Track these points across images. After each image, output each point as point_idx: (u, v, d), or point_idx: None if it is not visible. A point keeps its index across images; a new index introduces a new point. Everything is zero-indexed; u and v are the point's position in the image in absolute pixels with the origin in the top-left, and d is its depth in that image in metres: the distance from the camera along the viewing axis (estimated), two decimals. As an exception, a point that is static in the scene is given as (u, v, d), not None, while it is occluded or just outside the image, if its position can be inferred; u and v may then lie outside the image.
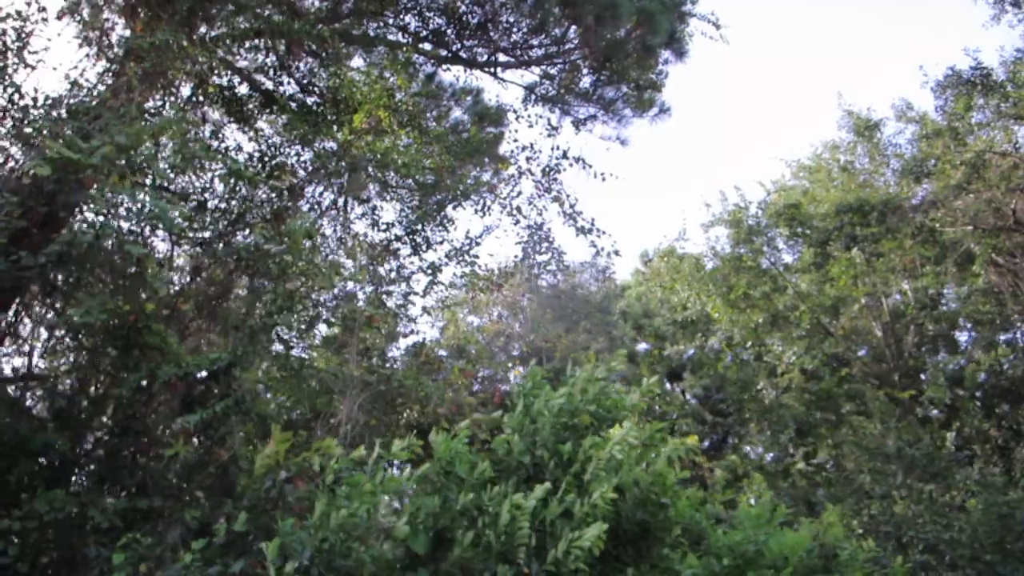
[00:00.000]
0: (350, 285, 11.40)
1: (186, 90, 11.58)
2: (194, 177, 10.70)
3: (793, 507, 10.67)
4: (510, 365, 15.14)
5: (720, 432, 19.25)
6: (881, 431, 10.75)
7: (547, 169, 13.41)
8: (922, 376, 17.46)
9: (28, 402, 8.66)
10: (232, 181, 10.76)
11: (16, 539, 6.35)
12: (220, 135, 11.13)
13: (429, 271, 12.19)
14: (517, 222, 13.20)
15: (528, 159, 13.44)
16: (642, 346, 26.43)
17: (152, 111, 9.53)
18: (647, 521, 4.95)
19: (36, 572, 6.68)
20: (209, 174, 10.77)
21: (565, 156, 13.62)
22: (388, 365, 11.50)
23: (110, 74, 9.63)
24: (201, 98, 11.70)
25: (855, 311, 17.81)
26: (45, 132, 7.29)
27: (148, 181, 8.24)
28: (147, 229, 8.73)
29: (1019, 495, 9.69)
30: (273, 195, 11.54)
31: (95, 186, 7.01)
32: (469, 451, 4.90)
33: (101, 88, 9.24)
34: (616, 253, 12.49)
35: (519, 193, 13.47)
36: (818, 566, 5.65)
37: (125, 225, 7.44)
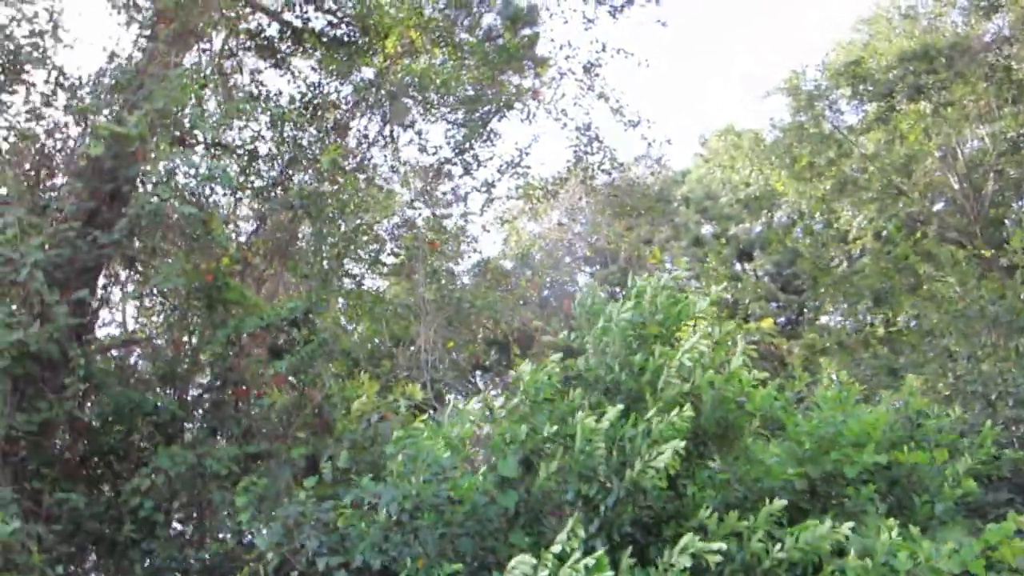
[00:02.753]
0: (408, 213, 11.56)
1: (218, 42, 11.57)
2: (240, 128, 10.86)
3: (875, 377, 10.67)
4: (575, 269, 15.22)
5: (795, 309, 19.03)
6: (962, 291, 10.41)
7: (588, 66, 12.97)
8: (1006, 222, 16.66)
9: (131, 367, 9.28)
10: (279, 126, 10.89)
11: (149, 493, 6.98)
12: (259, 82, 11.13)
13: (484, 189, 12.20)
14: (564, 126, 12.96)
15: (567, 58, 13.00)
16: (707, 229, 26.02)
17: (189, 68, 9.59)
18: (725, 417, 5.05)
19: (170, 520, 7.38)
20: (255, 123, 10.90)
21: (604, 49, 13.14)
22: (455, 286, 11.74)
23: (143, 39, 9.68)
24: (234, 46, 11.69)
25: (928, 166, 16.96)
26: (94, 111, 7.46)
27: (198, 141, 8.42)
28: (206, 188, 9.01)
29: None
30: (320, 135, 11.63)
31: (151, 155, 7.22)
32: (555, 380, 4.99)
33: (137, 55, 9.34)
34: (668, 142, 12.26)
35: (563, 95, 13.14)
36: (902, 437, 5.67)
37: (185, 189, 7.63)
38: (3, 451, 6.35)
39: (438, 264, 11.60)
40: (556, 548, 4.23)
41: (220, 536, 6.83)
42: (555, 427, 4.73)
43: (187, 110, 8.15)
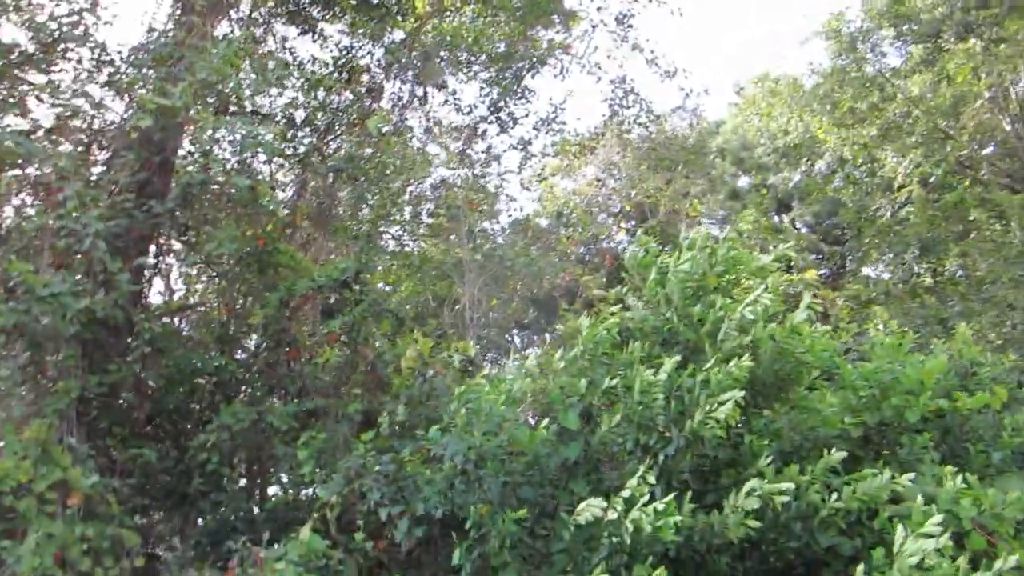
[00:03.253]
0: (444, 172, 11.60)
1: (246, 9, 11.57)
2: (276, 96, 10.93)
3: (925, 326, 10.50)
4: (613, 225, 15.17)
5: (837, 259, 18.73)
6: (1021, 238, 10.10)
7: (621, 17, 12.74)
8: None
9: (187, 331, 9.59)
10: (313, 92, 10.93)
11: (215, 449, 7.28)
12: (290, 49, 11.16)
13: (520, 147, 12.18)
14: (599, 80, 12.80)
15: (599, 9, 12.77)
16: (743, 181, 25.57)
17: (223, 37, 9.65)
18: (783, 368, 5.09)
19: (236, 474, 7.70)
20: (289, 90, 10.96)
21: (636, -1, 12.86)
22: (494, 245, 11.81)
23: (178, 11, 9.74)
24: (264, 13, 11.70)
25: (977, 107, 16.36)
26: (138, 84, 7.58)
27: (242, 110, 8.52)
28: (249, 156, 9.13)
29: None
30: (354, 99, 11.67)
31: (198, 125, 7.34)
32: (613, 333, 5.05)
33: (171, 27, 9.41)
34: (705, 92, 11.95)
35: (595, 48, 12.95)
36: (955, 385, 5.64)
37: (231, 157, 7.75)
38: (77, 411, 6.65)
39: (477, 223, 11.67)
40: (625, 493, 4.37)
41: (282, 488, 7.10)
42: (614, 380, 4.82)
43: (226, 79, 8.24)
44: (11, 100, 6.97)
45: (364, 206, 9.53)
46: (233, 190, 7.31)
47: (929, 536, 3.59)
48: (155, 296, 9.87)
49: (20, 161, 6.90)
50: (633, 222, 15.91)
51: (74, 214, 6.52)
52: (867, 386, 5.16)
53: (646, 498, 4.21)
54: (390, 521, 6.23)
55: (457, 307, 10.23)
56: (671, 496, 4.22)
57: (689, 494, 4.49)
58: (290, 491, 6.97)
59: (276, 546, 5.36)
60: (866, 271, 16.91)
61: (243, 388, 8.82)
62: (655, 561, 4.19)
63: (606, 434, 4.88)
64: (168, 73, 7.95)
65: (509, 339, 12.81)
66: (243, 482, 7.96)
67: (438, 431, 5.18)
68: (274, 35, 11.32)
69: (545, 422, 4.95)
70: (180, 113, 7.08)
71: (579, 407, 4.96)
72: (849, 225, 15.62)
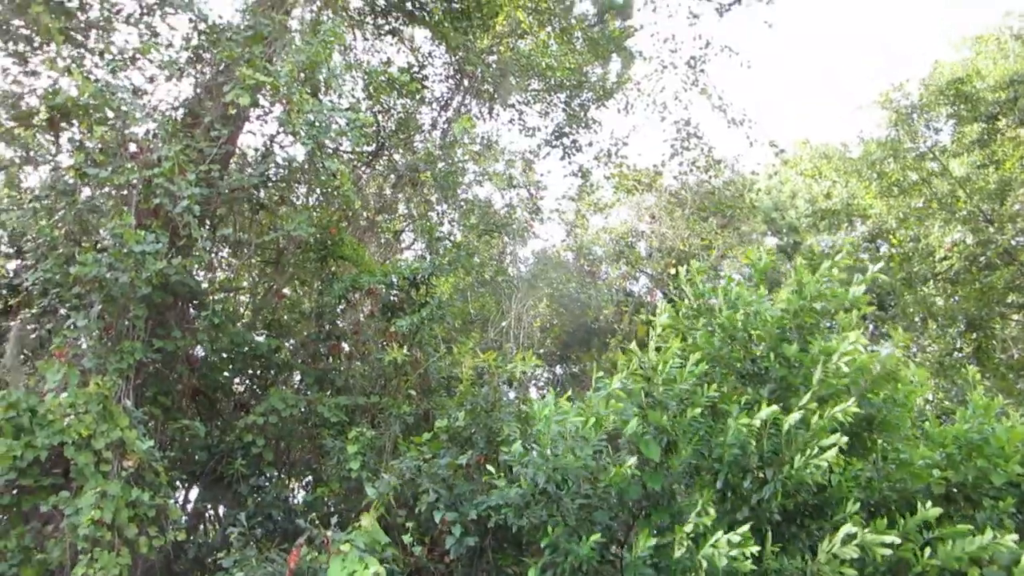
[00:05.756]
0: (504, 191, 11.60)
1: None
2: (349, 91, 10.99)
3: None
4: (669, 267, 15.11)
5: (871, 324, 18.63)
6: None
7: (692, 61, 12.89)
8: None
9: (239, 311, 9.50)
10: (388, 93, 11.00)
11: (260, 432, 7.17)
12: (375, 48, 11.27)
13: (579, 174, 12.22)
14: (663, 119, 12.91)
15: (672, 51, 12.93)
16: (771, 240, 25.61)
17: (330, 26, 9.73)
18: (871, 415, 5.01)
19: (279, 459, 7.57)
20: (362, 88, 11.04)
21: (708, 45, 13.04)
22: (545, 266, 11.80)
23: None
24: (349, 12, 11.84)
25: (1021, 194, 16.43)
26: (237, 58, 7.63)
27: (327, 98, 8.55)
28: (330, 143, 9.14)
29: None
30: (423, 107, 11.75)
31: (293, 106, 7.36)
32: (700, 369, 4.98)
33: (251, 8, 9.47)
34: (773, 145, 12.02)
35: (663, 88, 13.09)
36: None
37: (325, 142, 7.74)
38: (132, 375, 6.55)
39: (531, 244, 11.68)
40: (688, 527, 4.30)
41: (329, 479, 6.97)
42: (697, 411, 4.75)
43: (320, 66, 8.30)
44: (119, 58, 7.00)
45: (431, 212, 9.52)
46: (322, 173, 7.27)
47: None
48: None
49: (112, 116, 6.90)
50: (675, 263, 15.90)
51: (169, 175, 6.50)
52: (956, 444, 5.08)
53: (719, 533, 4.15)
54: (435, 526, 6.13)
55: (504, 323, 10.16)
56: (745, 528, 4.14)
57: (770, 534, 4.40)
58: (335, 484, 6.82)
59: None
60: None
61: (287, 376, 8.74)
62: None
63: (686, 466, 4.80)
64: (263, 52, 8.01)
65: (550, 363, 12.67)
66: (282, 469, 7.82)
67: (520, 446, 5.07)
68: (363, 31, 11.40)
69: (624, 454, 4.88)
70: (279, 92, 7.10)
71: (661, 438, 4.87)
72: (891, 291, 15.57)
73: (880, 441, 5.06)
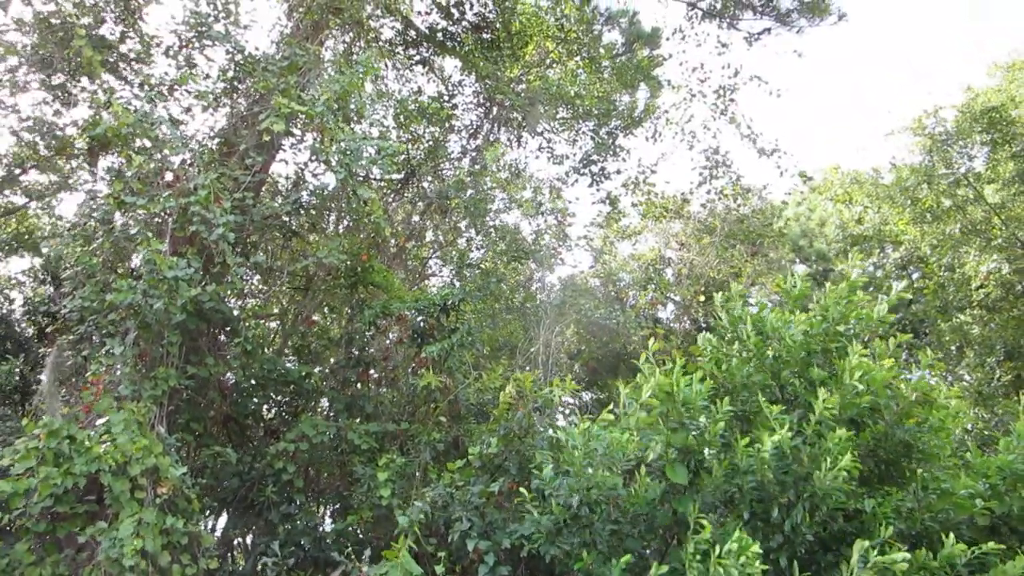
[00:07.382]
0: (536, 220, 11.63)
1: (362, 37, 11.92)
2: (380, 121, 11.14)
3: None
4: (698, 294, 15.01)
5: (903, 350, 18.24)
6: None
7: (721, 90, 12.89)
8: None
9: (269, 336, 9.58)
10: (418, 122, 11.14)
11: (290, 459, 7.15)
12: (406, 78, 11.44)
13: (607, 201, 12.22)
14: (691, 147, 12.89)
15: (702, 80, 12.94)
16: (800, 268, 25.34)
17: (363, 57, 9.91)
18: (908, 441, 4.89)
19: (309, 486, 7.55)
20: (393, 117, 11.19)
21: (737, 74, 13.04)
22: (572, 293, 11.76)
23: (298, 26, 10.04)
24: (380, 42, 12.06)
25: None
26: (273, 88, 7.78)
27: (360, 127, 8.67)
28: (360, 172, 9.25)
29: None
30: (452, 135, 11.87)
31: (327, 135, 7.46)
32: (706, 393, 4.90)
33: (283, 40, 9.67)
34: (803, 175, 11.91)
35: (691, 117, 13.10)
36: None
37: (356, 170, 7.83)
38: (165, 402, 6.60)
39: (559, 271, 11.67)
40: (691, 547, 4.21)
41: (359, 507, 6.92)
42: (721, 425, 4.67)
43: (352, 96, 8.43)
44: (159, 90, 7.17)
45: (460, 238, 9.56)
46: (354, 202, 7.34)
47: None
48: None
49: (149, 145, 7.05)
50: (704, 291, 15.79)
51: (205, 203, 6.60)
52: (1000, 474, 4.93)
53: (718, 547, 4.07)
54: (467, 555, 6.04)
55: (532, 350, 10.10)
56: (745, 535, 4.06)
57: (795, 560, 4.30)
58: (365, 511, 6.76)
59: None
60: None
61: (316, 402, 8.76)
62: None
63: (712, 491, 4.71)
64: (296, 82, 8.16)
65: (578, 390, 12.60)
66: (311, 497, 7.79)
67: (552, 471, 5.00)
68: (394, 61, 11.57)
69: (657, 485, 4.80)
70: (313, 120, 7.21)
71: (688, 460, 4.78)
72: (924, 319, 15.27)
73: (920, 471, 4.92)
